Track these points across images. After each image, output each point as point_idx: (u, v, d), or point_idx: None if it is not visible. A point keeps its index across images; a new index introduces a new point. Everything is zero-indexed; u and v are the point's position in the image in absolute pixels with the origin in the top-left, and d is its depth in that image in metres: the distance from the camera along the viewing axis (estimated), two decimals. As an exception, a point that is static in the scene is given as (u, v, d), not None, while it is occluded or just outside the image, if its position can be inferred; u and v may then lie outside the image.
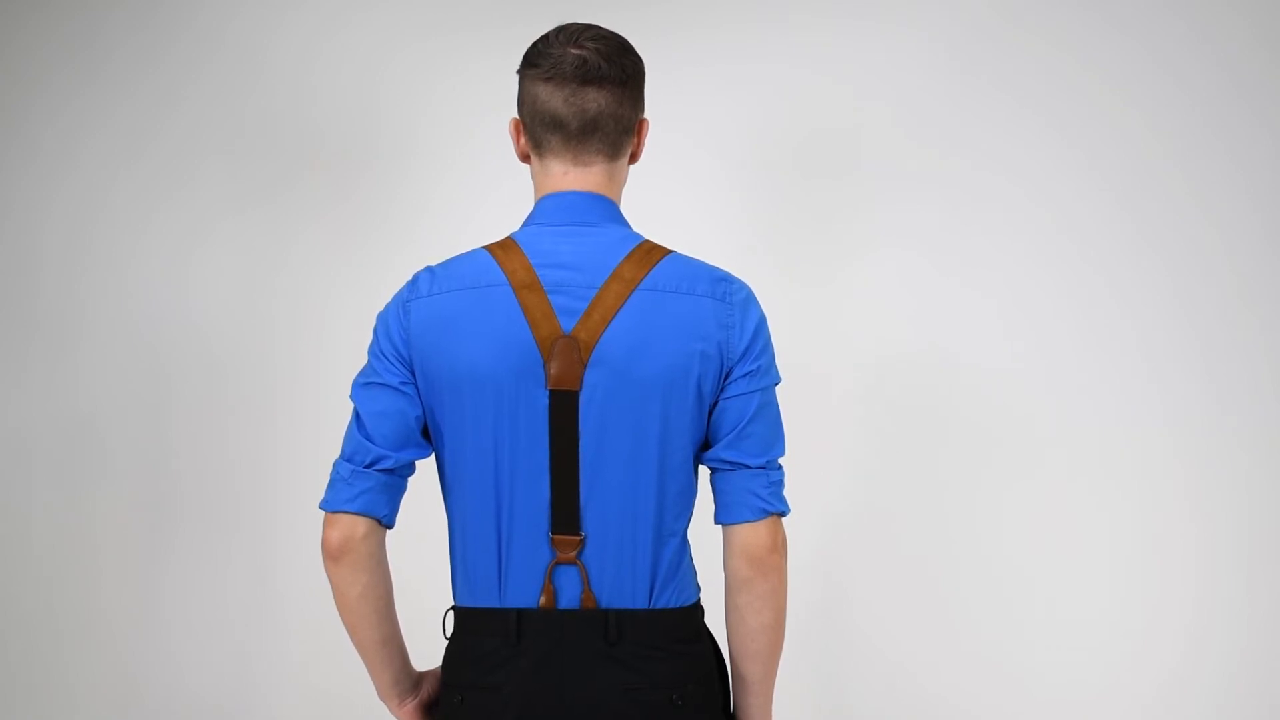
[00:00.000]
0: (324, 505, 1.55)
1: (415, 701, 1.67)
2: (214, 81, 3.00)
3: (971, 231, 2.74)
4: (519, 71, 1.57)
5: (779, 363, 1.60)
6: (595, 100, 1.53)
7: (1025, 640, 2.71)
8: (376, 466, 1.53)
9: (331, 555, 1.54)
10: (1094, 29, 2.71)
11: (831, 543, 2.78)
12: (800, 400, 2.73)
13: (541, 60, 1.53)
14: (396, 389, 1.54)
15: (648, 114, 1.63)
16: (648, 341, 1.50)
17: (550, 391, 1.50)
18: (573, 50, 1.52)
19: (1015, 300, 2.74)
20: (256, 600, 2.96)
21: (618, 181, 1.60)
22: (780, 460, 1.57)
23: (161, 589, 2.99)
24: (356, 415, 1.55)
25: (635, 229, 1.61)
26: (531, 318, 1.50)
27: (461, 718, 1.54)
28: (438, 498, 1.61)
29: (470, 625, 1.55)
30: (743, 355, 1.53)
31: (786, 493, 1.58)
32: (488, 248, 1.56)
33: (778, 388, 1.59)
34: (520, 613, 1.52)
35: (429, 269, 1.57)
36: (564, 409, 1.50)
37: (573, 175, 1.56)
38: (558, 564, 1.52)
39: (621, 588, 1.52)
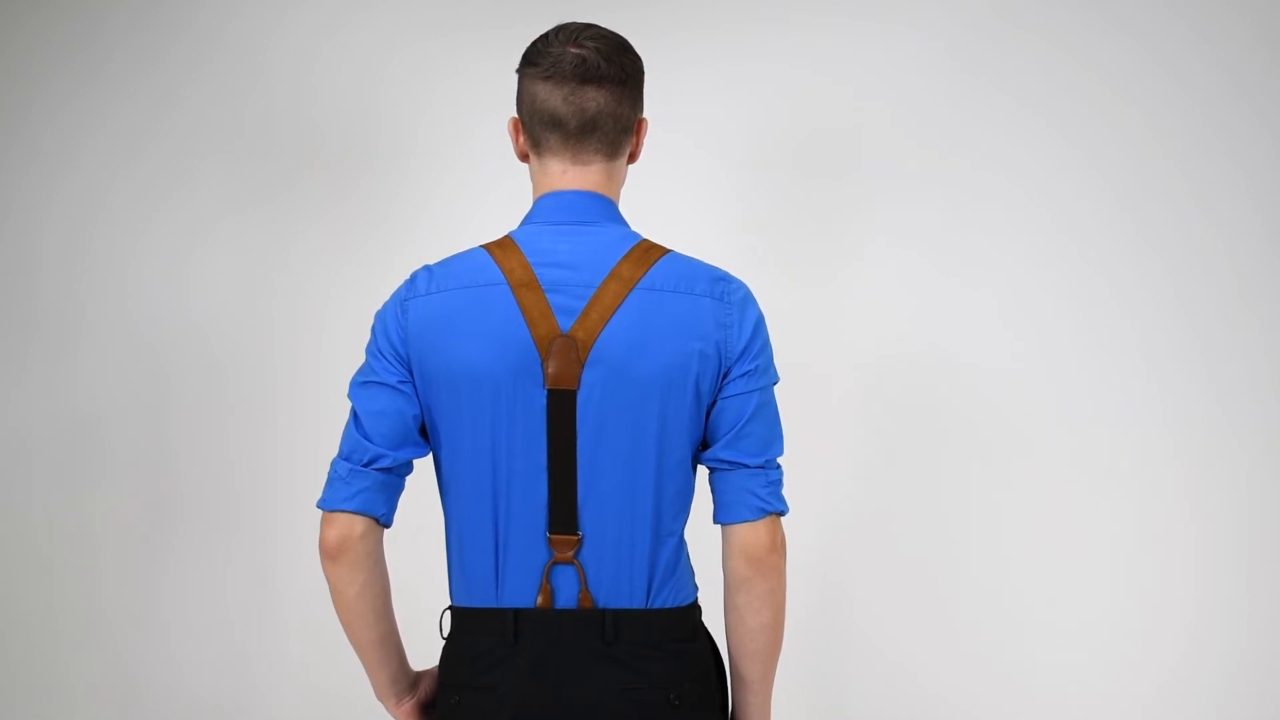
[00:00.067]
0: (321, 504, 1.55)
1: (413, 701, 1.67)
2: (214, 81, 3.00)
3: (971, 231, 2.74)
4: (518, 70, 1.57)
5: (779, 362, 1.60)
6: (594, 99, 1.53)
7: (1025, 640, 2.71)
8: (374, 465, 1.53)
9: (329, 554, 1.54)
10: (1094, 29, 2.71)
11: (831, 542, 2.78)
12: (800, 400, 2.73)
13: (541, 59, 1.53)
14: (394, 388, 1.54)
15: (648, 114, 1.63)
16: (646, 341, 1.50)
17: (548, 391, 1.50)
18: (572, 49, 1.52)
19: (1015, 300, 2.73)
20: (256, 600, 2.96)
21: (616, 181, 1.60)
22: (779, 460, 1.57)
23: (161, 589, 2.99)
24: (354, 414, 1.55)
25: (636, 229, 1.61)
26: (529, 317, 1.50)
27: (458, 718, 1.54)
28: (436, 496, 1.61)
29: (467, 625, 1.55)
30: (741, 355, 1.53)
31: (786, 492, 1.58)
32: (486, 246, 1.56)
33: (777, 387, 1.59)
34: (517, 613, 1.51)
35: (427, 268, 1.57)
36: (562, 408, 1.50)
37: (571, 174, 1.56)
38: (555, 564, 1.52)
39: (619, 587, 1.52)
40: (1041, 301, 2.73)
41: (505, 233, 1.59)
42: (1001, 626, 2.72)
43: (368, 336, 1.59)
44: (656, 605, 1.53)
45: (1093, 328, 2.71)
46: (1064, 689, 2.69)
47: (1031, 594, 2.71)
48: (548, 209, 1.57)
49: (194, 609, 2.97)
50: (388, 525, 1.57)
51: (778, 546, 1.55)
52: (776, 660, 1.62)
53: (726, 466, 1.55)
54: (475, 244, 1.60)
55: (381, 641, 1.61)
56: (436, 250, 1.74)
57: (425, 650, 1.72)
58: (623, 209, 1.62)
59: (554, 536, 1.51)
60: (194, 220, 3.00)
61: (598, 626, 1.51)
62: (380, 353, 1.56)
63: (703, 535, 1.65)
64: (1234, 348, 2.67)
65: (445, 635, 1.59)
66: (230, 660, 2.96)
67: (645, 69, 1.60)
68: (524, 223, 1.59)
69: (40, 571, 3.03)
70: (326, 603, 1.60)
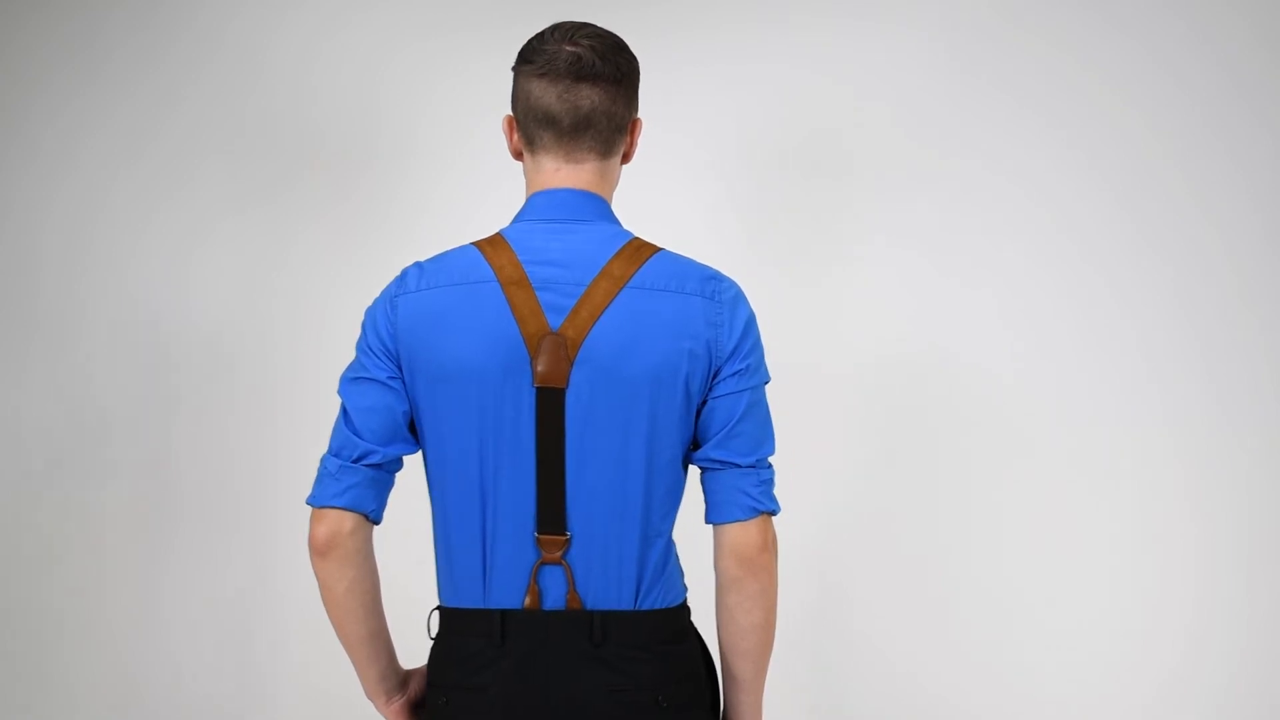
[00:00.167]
0: (311, 501, 1.54)
1: (402, 700, 1.66)
2: (214, 81, 3.00)
3: (971, 231, 2.74)
4: (514, 68, 1.57)
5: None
6: (589, 97, 1.52)
7: (1025, 640, 2.71)
8: (364, 462, 1.53)
9: (318, 551, 1.53)
10: (1094, 29, 2.71)
11: (830, 542, 2.78)
12: (802, 400, 2.73)
13: (536, 56, 1.53)
14: (384, 384, 1.53)
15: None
16: (636, 339, 1.49)
17: (537, 389, 1.49)
18: (567, 47, 1.52)
19: (1015, 300, 2.73)
20: (256, 600, 2.96)
21: (609, 180, 1.59)
22: (770, 459, 1.57)
23: (162, 588, 2.99)
24: (344, 410, 1.55)
25: (638, 229, 1.60)
26: (519, 314, 1.49)
27: (447, 718, 1.53)
28: (426, 494, 1.60)
29: (455, 626, 1.54)
30: (731, 354, 1.53)
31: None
32: (476, 244, 1.55)
33: (774, 386, 1.59)
34: (504, 614, 1.50)
35: (418, 264, 1.56)
36: (551, 407, 1.49)
37: (564, 172, 1.56)
38: (543, 564, 1.51)
39: (607, 588, 1.51)
40: (1041, 301, 2.73)
41: (497, 230, 1.59)
42: (1001, 626, 2.72)
43: None
44: (645, 606, 1.52)
45: (1093, 328, 2.71)
46: (1064, 689, 2.69)
47: (1031, 594, 2.71)
48: (540, 206, 1.56)
49: (194, 608, 2.97)
50: (377, 522, 1.57)
51: (769, 546, 1.54)
52: (768, 659, 1.61)
53: (717, 466, 1.54)
54: (475, 244, 1.60)
55: (370, 639, 1.60)
56: (437, 250, 1.74)
57: (416, 647, 1.72)
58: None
59: (542, 536, 1.50)
60: (194, 220, 3.00)
61: (586, 628, 1.50)
62: (370, 349, 1.55)
63: (694, 535, 1.64)
64: (1234, 348, 2.67)
65: (433, 636, 1.58)
66: (230, 660, 2.96)
67: (645, 69, 1.60)
68: (516, 220, 1.58)
69: (40, 571, 3.03)
70: (326, 602, 1.60)
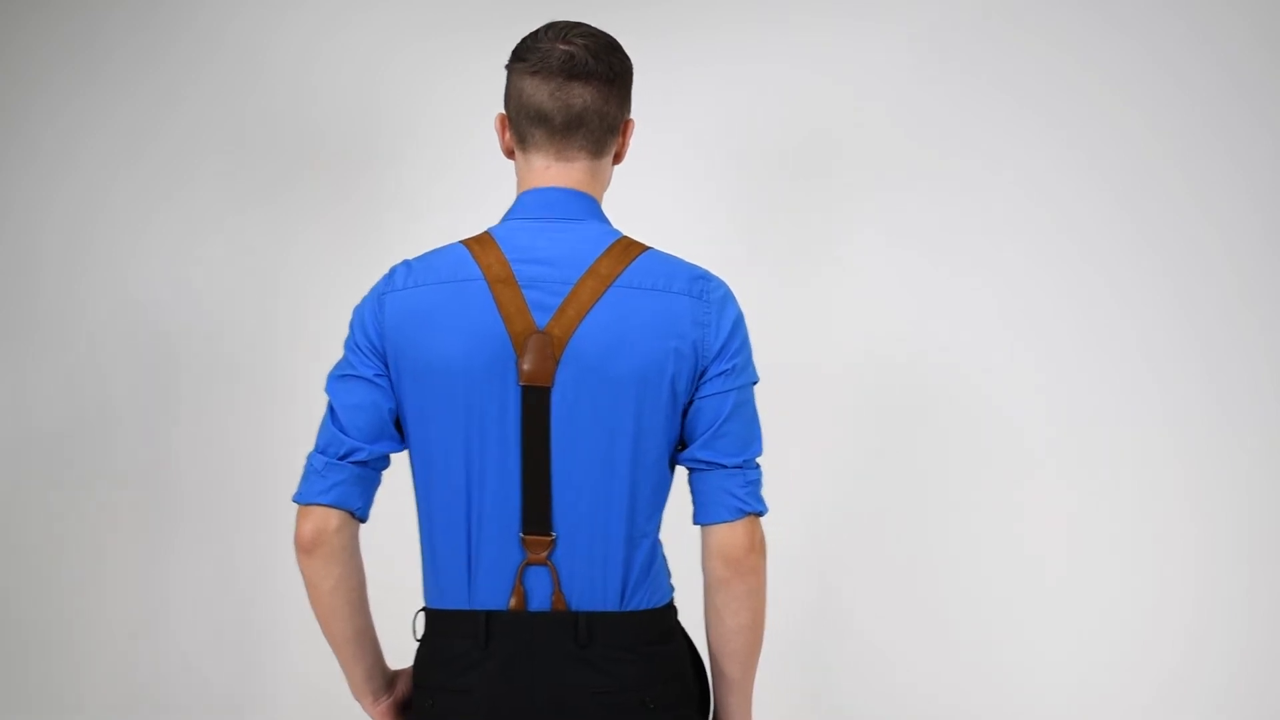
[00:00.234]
0: (297, 498, 1.55)
1: (389, 700, 1.65)
2: (214, 81, 3.00)
3: (971, 231, 2.74)
4: (507, 66, 1.57)
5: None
6: (581, 95, 1.52)
7: (1024, 641, 2.71)
8: (350, 459, 1.52)
9: (304, 548, 1.53)
10: (1094, 29, 2.71)
11: (829, 542, 2.78)
12: (803, 400, 2.73)
13: (529, 54, 1.53)
14: (370, 381, 1.53)
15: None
16: (622, 338, 1.48)
17: (522, 387, 1.48)
18: (561, 45, 1.52)
19: (1015, 300, 2.73)
20: (256, 600, 2.96)
21: (600, 180, 1.59)
22: (758, 460, 1.55)
23: (162, 588, 2.99)
24: (330, 408, 1.54)
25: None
26: (505, 312, 1.48)
27: None
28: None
29: (440, 627, 1.54)
30: (718, 354, 1.51)
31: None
32: (464, 242, 1.55)
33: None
34: (489, 615, 1.49)
35: (406, 263, 1.56)
36: (536, 405, 1.48)
37: (554, 170, 1.55)
38: (528, 565, 1.50)
39: (593, 589, 1.50)
40: (1041, 301, 2.73)
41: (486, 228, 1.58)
42: (1001, 626, 2.71)
43: None
44: (630, 607, 1.51)
45: (1093, 328, 2.71)
46: (1064, 689, 2.69)
47: (1031, 594, 2.71)
48: (529, 205, 1.56)
49: (194, 608, 2.97)
50: (363, 520, 1.56)
51: (756, 547, 1.53)
52: (757, 660, 1.60)
53: (704, 467, 1.53)
54: (472, 243, 1.59)
55: (356, 637, 1.59)
56: (436, 250, 1.74)
57: (404, 647, 1.70)
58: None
59: (527, 537, 1.49)
60: (194, 220, 3.00)
61: (570, 629, 1.49)
62: (357, 347, 1.55)
63: (683, 534, 1.63)
64: (1234, 348, 2.67)
65: (419, 638, 1.57)
66: (230, 660, 2.96)
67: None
68: (505, 218, 1.58)
69: (40, 571, 3.03)
70: (327, 603, 1.59)
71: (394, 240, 2.90)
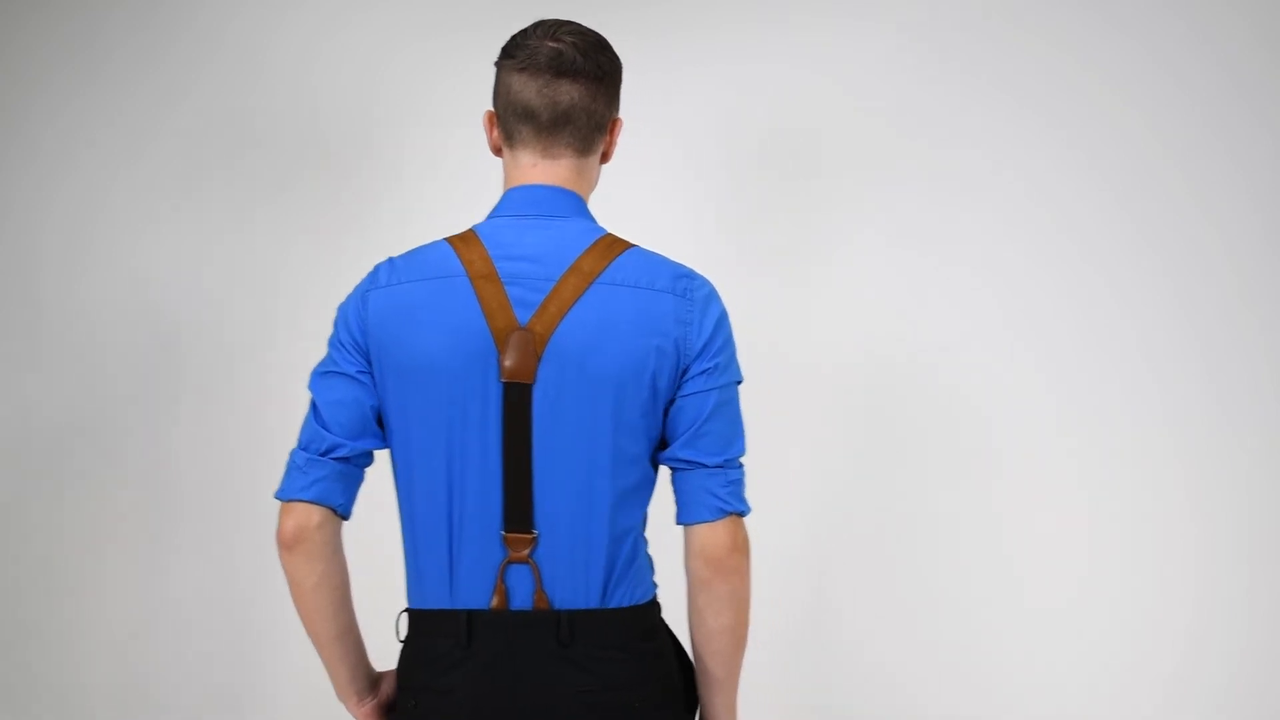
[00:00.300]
0: (279, 494, 1.54)
1: (373, 701, 1.65)
2: (214, 81, 3.00)
3: (971, 231, 2.74)
4: (496, 63, 1.57)
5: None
6: (568, 93, 1.52)
7: (1023, 641, 2.70)
8: (332, 455, 1.52)
9: (286, 544, 1.52)
10: (1094, 29, 2.71)
11: (827, 541, 2.78)
12: (804, 399, 2.73)
13: (517, 51, 1.54)
14: (353, 378, 1.53)
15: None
16: (604, 336, 1.48)
17: (504, 384, 1.48)
18: (549, 43, 1.52)
19: (1014, 300, 2.73)
20: (256, 600, 2.95)
21: (586, 178, 1.59)
22: (741, 460, 1.54)
23: (162, 588, 2.99)
24: (313, 404, 1.55)
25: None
26: (487, 309, 1.48)
27: None
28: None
29: (422, 627, 1.53)
30: (700, 352, 1.51)
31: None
32: (448, 239, 1.55)
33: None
34: (471, 614, 1.49)
35: (390, 260, 1.56)
36: (518, 402, 1.48)
37: (541, 168, 1.55)
38: (510, 563, 1.49)
39: (575, 587, 1.49)
40: (1041, 301, 2.73)
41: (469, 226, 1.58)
42: (1000, 627, 2.71)
43: None
44: (613, 604, 1.50)
45: (1093, 328, 2.71)
46: (1063, 689, 2.69)
47: (1030, 594, 2.70)
48: (514, 202, 1.56)
49: (194, 608, 2.97)
50: (346, 517, 1.56)
51: (739, 547, 1.52)
52: (740, 659, 1.60)
53: (685, 466, 1.52)
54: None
55: (340, 636, 1.59)
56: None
57: (390, 647, 1.70)
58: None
59: (509, 535, 1.49)
60: (194, 220, 3.00)
61: (553, 628, 1.48)
62: (340, 343, 1.55)
63: (668, 533, 1.62)
64: (1234, 348, 2.67)
65: (401, 639, 1.57)
66: (230, 660, 2.96)
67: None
68: (490, 215, 1.58)
69: (40, 571, 3.03)
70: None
71: (394, 240, 2.88)
